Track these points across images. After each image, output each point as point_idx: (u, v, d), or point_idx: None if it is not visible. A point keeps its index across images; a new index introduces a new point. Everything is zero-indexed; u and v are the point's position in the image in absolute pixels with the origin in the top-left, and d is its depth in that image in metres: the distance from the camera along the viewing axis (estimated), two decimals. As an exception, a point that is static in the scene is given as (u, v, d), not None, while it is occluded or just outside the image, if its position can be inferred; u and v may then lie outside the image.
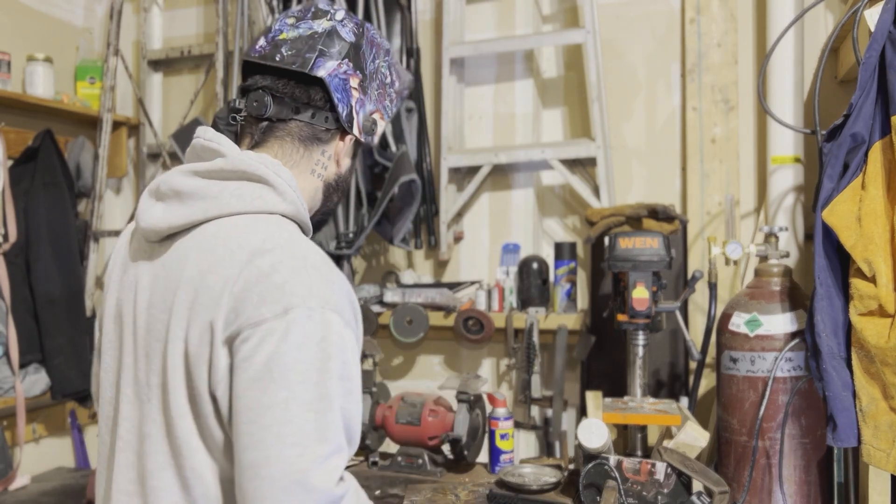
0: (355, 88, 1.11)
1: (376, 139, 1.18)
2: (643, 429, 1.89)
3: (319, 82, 1.08)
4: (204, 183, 1.00)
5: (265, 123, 1.09)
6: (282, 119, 1.08)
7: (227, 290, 0.92)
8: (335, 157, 1.13)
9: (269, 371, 0.88)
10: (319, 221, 1.18)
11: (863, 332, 1.55)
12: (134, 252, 1.08)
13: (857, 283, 1.58)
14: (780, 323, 1.78)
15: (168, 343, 0.95)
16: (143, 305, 1.01)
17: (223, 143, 1.04)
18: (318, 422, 0.89)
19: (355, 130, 1.12)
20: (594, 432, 1.67)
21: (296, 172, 1.09)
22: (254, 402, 0.88)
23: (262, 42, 1.11)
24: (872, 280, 1.56)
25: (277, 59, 1.08)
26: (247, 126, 1.11)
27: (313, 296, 0.92)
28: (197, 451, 0.95)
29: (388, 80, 1.17)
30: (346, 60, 1.10)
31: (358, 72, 1.11)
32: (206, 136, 1.05)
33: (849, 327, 1.61)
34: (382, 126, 1.17)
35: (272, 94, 1.08)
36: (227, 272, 0.93)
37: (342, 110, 1.10)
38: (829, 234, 1.64)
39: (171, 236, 1.02)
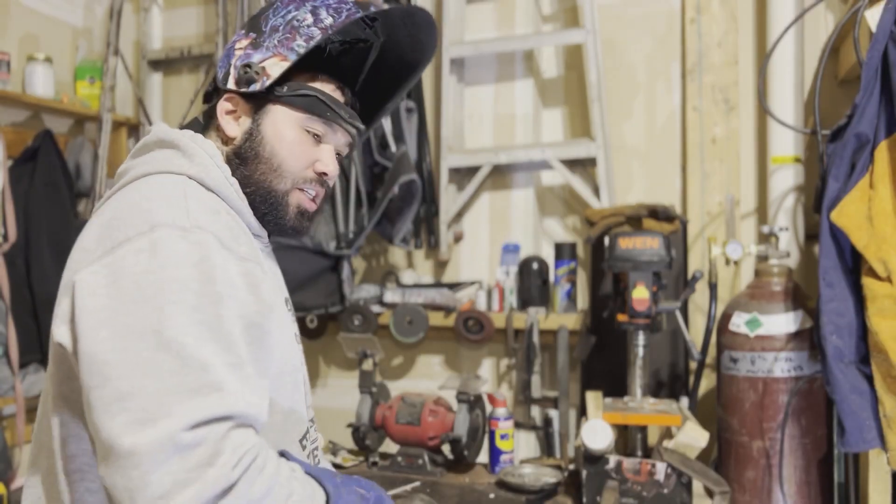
0: (240, 48, 1.05)
1: (269, 81, 1.01)
2: (643, 429, 1.89)
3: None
4: (132, 161, 0.98)
5: None
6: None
7: (96, 221, 0.88)
8: (217, 122, 1.05)
9: None
10: (262, 207, 1.03)
11: (880, 335, 1.54)
12: None
13: (870, 284, 1.57)
14: (780, 323, 1.78)
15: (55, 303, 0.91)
16: None
17: (157, 124, 1.03)
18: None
19: (229, 84, 1.03)
20: (598, 433, 1.67)
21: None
22: None
23: None
24: (887, 279, 1.55)
25: None
26: None
27: (189, 218, 0.84)
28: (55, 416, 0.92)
29: (310, 20, 1.03)
30: (240, 30, 1.08)
31: (252, 33, 1.05)
32: (152, 128, 1.04)
33: (863, 330, 1.60)
34: (283, 67, 1.01)
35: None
36: (101, 211, 0.90)
37: (219, 73, 1.05)
38: (834, 234, 1.63)
39: None
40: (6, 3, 2.66)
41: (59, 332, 0.84)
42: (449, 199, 2.52)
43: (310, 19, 1.03)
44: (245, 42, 1.05)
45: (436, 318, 2.36)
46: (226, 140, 1.04)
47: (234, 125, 1.04)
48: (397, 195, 2.41)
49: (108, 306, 0.78)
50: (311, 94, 1.03)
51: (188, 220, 0.83)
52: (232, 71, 1.03)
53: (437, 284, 2.49)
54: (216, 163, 0.97)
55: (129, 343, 0.76)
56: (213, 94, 1.08)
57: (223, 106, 1.04)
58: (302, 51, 1.01)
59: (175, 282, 0.78)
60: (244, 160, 1.02)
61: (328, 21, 1.03)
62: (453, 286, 2.42)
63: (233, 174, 1.00)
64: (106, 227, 0.85)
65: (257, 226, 1.02)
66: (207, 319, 0.78)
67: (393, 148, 2.46)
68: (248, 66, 1.01)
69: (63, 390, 0.88)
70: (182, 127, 1.05)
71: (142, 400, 0.73)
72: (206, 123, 1.08)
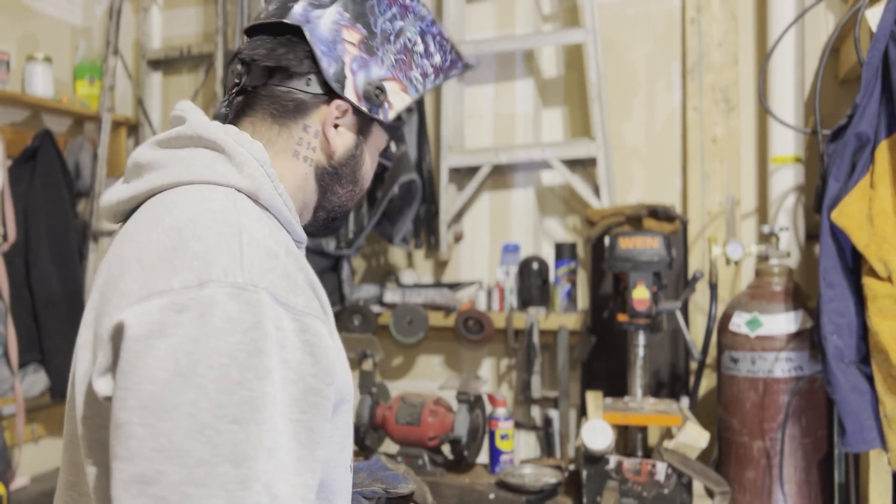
0: (351, 43, 0.89)
1: (392, 114, 0.93)
2: (644, 429, 1.89)
3: (299, 34, 0.88)
4: (161, 152, 0.84)
5: (241, 98, 0.92)
6: (255, 87, 0.90)
7: (136, 259, 0.74)
8: (323, 133, 0.91)
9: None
10: (327, 221, 0.97)
11: (880, 335, 1.54)
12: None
13: (870, 284, 1.57)
14: (780, 323, 1.78)
15: (79, 336, 0.79)
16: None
17: (190, 112, 0.88)
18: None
19: (349, 93, 0.89)
20: (598, 433, 1.67)
21: (272, 153, 0.89)
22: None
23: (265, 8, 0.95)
24: (888, 279, 1.55)
25: (262, 16, 0.91)
26: (227, 108, 0.94)
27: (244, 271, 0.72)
28: (93, 465, 0.78)
29: (420, 48, 0.95)
30: (340, 10, 0.89)
31: (360, 25, 0.90)
32: (180, 106, 0.89)
33: (864, 330, 1.60)
34: (405, 101, 0.94)
35: (243, 60, 0.90)
36: (141, 239, 0.76)
37: (328, 65, 0.88)
38: (835, 234, 1.63)
39: (130, 216, 0.86)
40: (6, 3, 2.65)
41: (100, 385, 0.72)
42: (449, 199, 2.52)
43: (420, 47, 0.94)
44: (354, 35, 0.90)
45: (436, 318, 2.35)
46: (326, 151, 0.92)
47: (339, 138, 0.92)
48: (397, 195, 2.41)
49: (139, 369, 0.68)
50: (401, 124, 0.95)
51: (242, 275, 0.71)
52: (349, 75, 0.89)
53: (437, 284, 2.49)
54: (266, 171, 0.84)
55: (159, 421, 0.67)
56: (269, 72, 0.90)
57: (333, 113, 0.90)
58: (421, 89, 0.94)
59: (219, 353, 0.68)
60: (339, 179, 0.93)
61: (437, 59, 0.96)
62: (453, 286, 2.42)
63: (314, 186, 0.92)
64: (149, 267, 0.72)
65: (302, 234, 0.92)
66: (252, 398, 0.69)
67: (393, 148, 2.45)
68: (378, 87, 0.91)
69: (102, 437, 0.77)
70: (214, 118, 0.92)
71: (164, 489, 0.66)
72: (242, 109, 0.92)
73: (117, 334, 0.70)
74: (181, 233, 0.73)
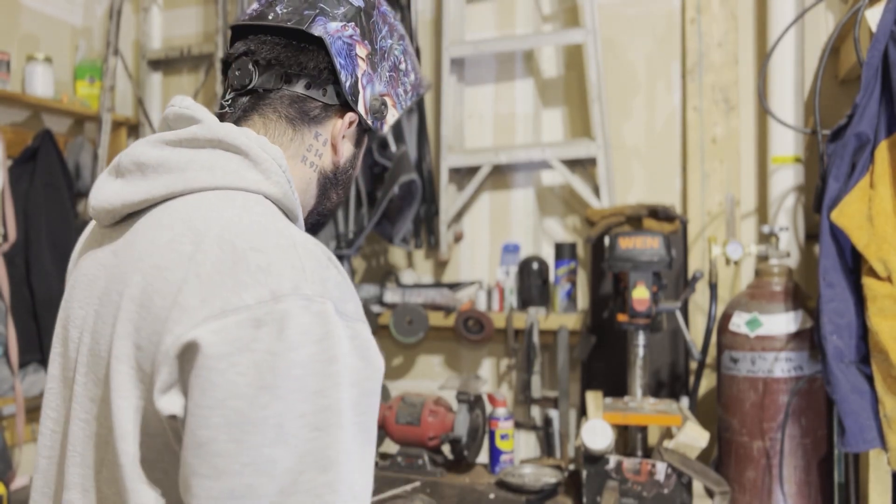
0: (361, 58, 0.92)
1: (386, 127, 0.98)
2: (643, 429, 1.89)
3: (318, 44, 0.89)
4: (171, 152, 0.81)
5: (247, 98, 0.90)
6: (268, 90, 0.89)
7: (192, 273, 0.72)
8: (332, 142, 0.94)
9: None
10: (315, 224, 1.01)
11: (880, 335, 1.54)
12: (86, 243, 0.91)
13: (870, 284, 1.57)
14: (780, 323, 1.78)
15: (113, 348, 0.75)
16: (90, 305, 0.82)
17: (200, 110, 0.86)
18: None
19: (360, 107, 0.93)
20: (598, 433, 1.67)
21: (285, 157, 0.90)
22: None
23: (255, 5, 0.93)
24: (888, 279, 1.55)
25: (270, 17, 0.90)
26: (230, 107, 0.92)
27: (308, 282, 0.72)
28: (142, 482, 0.74)
29: (403, 66, 1.00)
30: (353, 25, 0.92)
31: (366, 42, 0.93)
32: (182, 103, 0.87)
33: (864, 330, 1.60)
34: (394, 116, 0.99)
35: (256, 61, 0.89)
36: (190, 251, 0.73)
37: (345, 79, 0.90)
38: (834, 234, 1.63)
39: (129, 218, 0.83)
40: (6, 3, 2.66)
41: (164, 403, 0.71)
42: (449, 199, 2.52)
43: (403, 65, 1.00)
44: (363, 51, 0.93)
45: (436, 318, 2.36)
46: (332, 159, 0.95)
47: (344, 148, 0.96)
48: (397, 195, 2.41)
49: (220, 387, 0.68)
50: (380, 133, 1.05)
51: (309, 287, 0.72)
52: (361, 91, 0.93)
53: (437, 284, 2.49)
54: (288, 177, 0.84)
55: (247, 435, 0.67)
56: (286, 77, 0.90)
57: (345, 124, 0.94)
58: (404, 105, 1.00)
59: (298, 365, 0.69)
60: (336, 185, 0.98)
61: (412, 78, 1.02)
62: (453, 286, 2.42)
63: (314, 190, 0.95)
64: (208, 282, 0.71)
65: None
66: (331, 405, 0.71)
67: (393, 148, 2.46)
68: (383, 103, 0.96)
69: (145, 452, 0.75)
70: (221, 120, 0.90)
71: (255, 502, 0.68)
72: (250, 109, 0.91)
73: (187, 351, 0.70)
74: (235, 245, 0.72)
